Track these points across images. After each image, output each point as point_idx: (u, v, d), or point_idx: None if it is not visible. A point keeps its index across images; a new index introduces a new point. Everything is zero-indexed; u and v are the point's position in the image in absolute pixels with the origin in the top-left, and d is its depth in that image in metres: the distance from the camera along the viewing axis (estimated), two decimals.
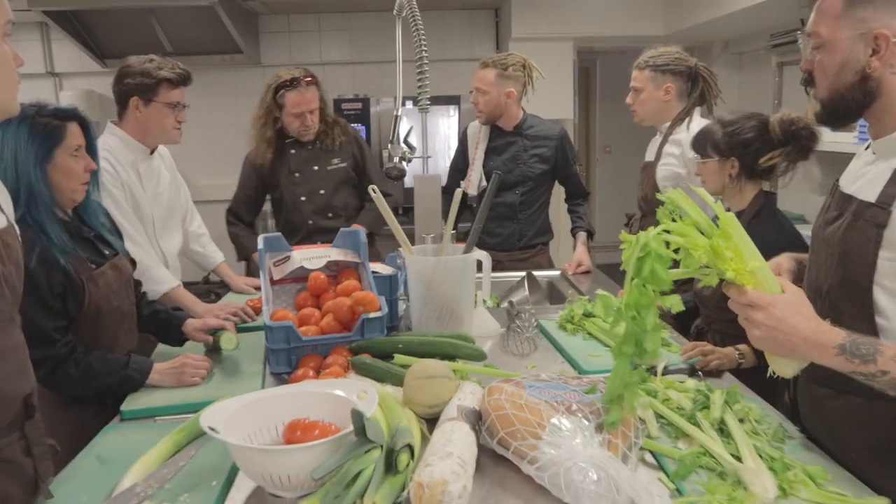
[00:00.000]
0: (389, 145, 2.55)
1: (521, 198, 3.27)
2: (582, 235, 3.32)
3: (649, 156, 2.89)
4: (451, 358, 1.91)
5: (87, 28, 4.97)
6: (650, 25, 5.02)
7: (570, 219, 3.42)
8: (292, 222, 3.31)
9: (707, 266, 1.24)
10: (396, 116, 2.60)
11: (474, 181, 3.22)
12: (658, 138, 2.84)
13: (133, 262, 2.17)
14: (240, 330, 2.30)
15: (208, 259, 2.94)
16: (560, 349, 2.12)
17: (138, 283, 2.21)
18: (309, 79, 3.09)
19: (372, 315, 1.97)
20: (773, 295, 1.22)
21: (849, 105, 1.39)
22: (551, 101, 5.21)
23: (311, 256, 2.30)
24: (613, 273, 7.46)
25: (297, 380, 1.85)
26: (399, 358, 1.82)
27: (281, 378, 1.95)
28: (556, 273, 3.19)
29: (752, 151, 2.12)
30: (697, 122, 2.66)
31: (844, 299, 1.37)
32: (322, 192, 3.28)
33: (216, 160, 5.66)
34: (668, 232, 1.23)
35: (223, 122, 5.63)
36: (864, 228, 1.33)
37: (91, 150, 1.93)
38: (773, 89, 3.91)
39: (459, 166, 3.42)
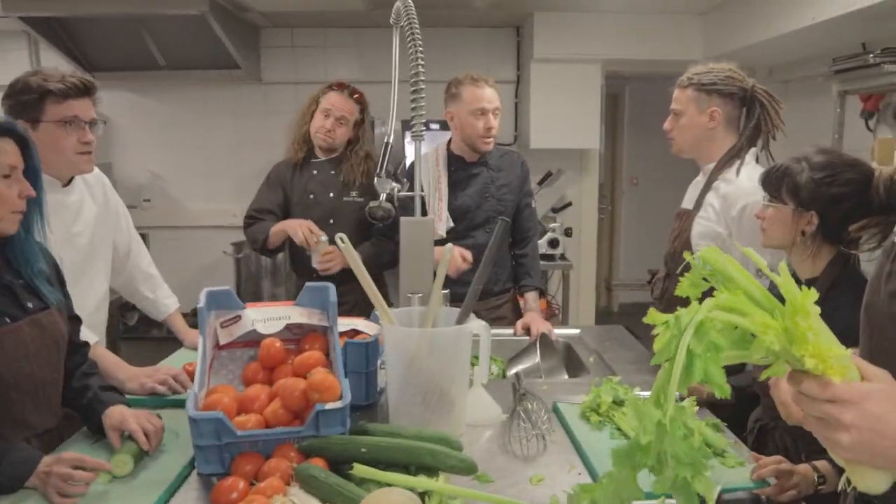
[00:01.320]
0: (376, 179, 2.10)
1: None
2: (532, 296, 2.88)
3: (688, 202, 2.36)
4: (431, 470, 1.43)
5: (73, 39, 4.59)
6: (686, 48, 4.54)
7: (516, 270, 2.97)
8: (301, 257, 2.99)
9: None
10: (387, 144, 2.15)
11: (441, 223, 2.76)
12: (700, 180, 2.32)
13: (76, 320, 1.79)
14: (177, 403, 1.86)
15: (158, 306, 2.49)
16: (580, 451, 1.64)
17: (79, 346, 1.81)
18: (357, 94, 3.00)
19: (329, 406, 1.50)
20: (864, 385, 0.87)
21: None
22: (576, 129, 4.76)
23: (268, 317, 1.84)
24: (633, 315, 6.89)
25: (225, 491, 1.39)
26: (359, 469, 1.35)
27: (210, 481, 1.49)
28: (575, 332, 2.69)
29: (841, 211, 1.63)
30: (751, 169, 2.14)
31: None
32: (332, 221, 2.95)
33: (212, 183, 5.24)
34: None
35: (220, 142, 5.22)
36: None
37: (31, 173, 1.58)
38: (833, 123, 3.43)
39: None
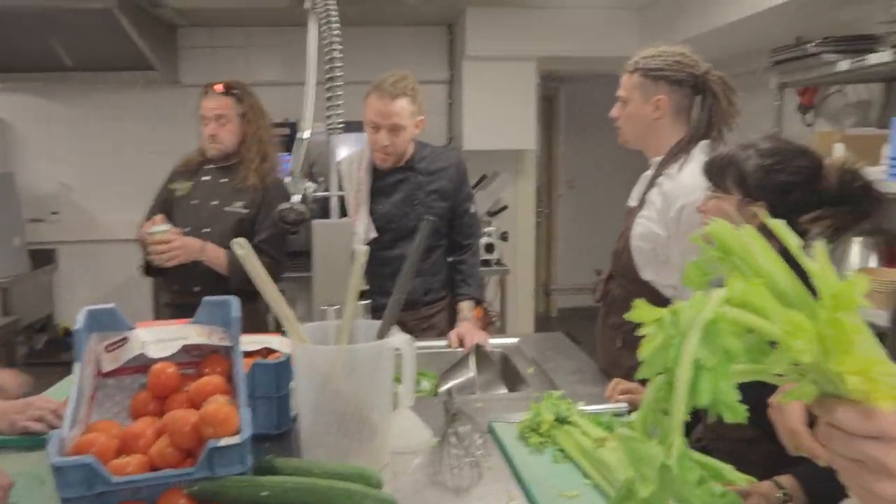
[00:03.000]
0: (289, 179, 1.87)
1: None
2: (467, 305, 2.67)
3: (634, 198, 2.18)
4: None
5: None
6: (623, 44, 4.42)
7: (453, 277, 2.76)
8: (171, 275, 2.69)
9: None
10: (300, 140, 1.93)
11: (360, 232, 2.52)
12: (648, 174, 2.15)
13: None
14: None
15: None
16: (519, 478, 1.45)
17: None
18: (231, 88, 2.75)
19: (224, 442, 1.27)
20: None
21: None
22: (512, 129, 4.61)
23: (161, 338, 1.60)
24: (572, 320, 6.77)
25: None
26: None
27: None
28: (513, 341, 2.50)
29: (790, 201, 1.48)
30: (698, 164, 1.86)
31: None
32: (208, 230, 2.66)
33: (127, 193, 4.89)
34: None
35: (135, 148, 4.90)
36: None
37: None
38: (773, 115, 3.34)
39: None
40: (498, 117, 4.55)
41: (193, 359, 1.63)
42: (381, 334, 1.51)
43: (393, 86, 2.46)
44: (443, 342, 2.46)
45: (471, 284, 2.71)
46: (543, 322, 6.76)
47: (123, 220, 4.87)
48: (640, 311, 0.67)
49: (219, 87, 2.74)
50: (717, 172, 1.58)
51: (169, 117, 4.83)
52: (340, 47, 1.77)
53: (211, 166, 2.77)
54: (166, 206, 2.76)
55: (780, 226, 0.68)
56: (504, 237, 4.72)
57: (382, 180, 2.62)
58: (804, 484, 1.31)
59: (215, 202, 2.71)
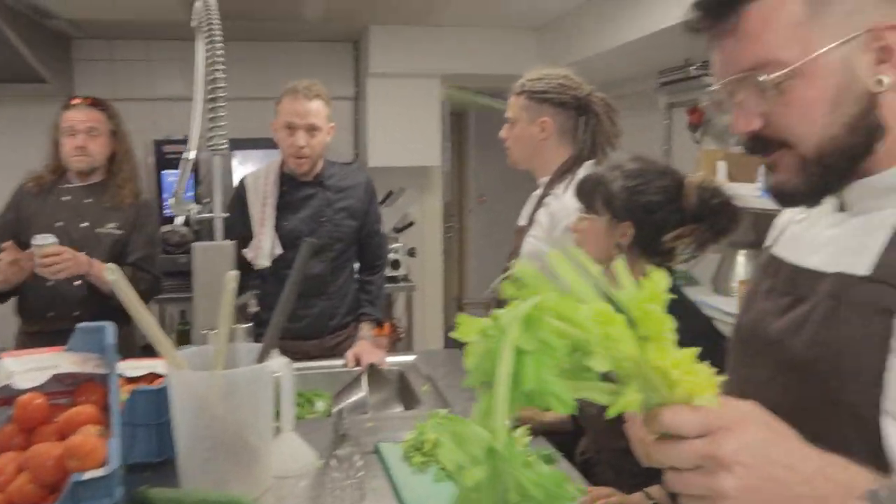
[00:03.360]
0: (172, 200, 1.84)
1: (331, 266, 2.59)
2: (367, 326, 2.68)
3: (523, 217, 2.23)
4: None
5: None
6: (522, 63, 4.48)
7: (359, 294, 2.75)
8: (29, 301, 2.56)
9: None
10: (185, 160, 1.89)
11: (265, 248, 2.49)
12: (538, 194, 2.21)
13: None
14: None
15: None
16: (399, 498, 1.46)
17: None
18: (99, 104, 2.70)
19: (89, 476, 1.24)
20: (739, 405, 0.67)
21: (851, 155, 0.83)
22: (417, 146, 4.63)
23: (30, 367, 1.54)
24: None
25: None
26: None
27: None
28: (409, 359, 2.52)
29: (655, 220, 1.55)
30: None
31: (813, 436, 0.72)
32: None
33: None
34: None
35: (26, 164, 4.66)
36: (857, 318, 0.81)
37: None
38: (662, 134, 3.49)
39: (237, 229, 2.53)
40: (403, 134, 4.57)
41: (67, 388, 1.58)
42: (261, 358, 1.50)
43: (307, 88, 2.47)
44: (340, 362, 2.45)
45: (375, 305, 2.70)
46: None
47: None
48: (463, 325, 0.67)
49: (85, 101, 2.68)
50: (587, 194, 1.64)
51: None
52: (223, 67, 1.75)
53: (70, 185, 2.64)
54: (15, 230, 2.57)
55: (581, 254, 0.70)
56: (411, 253, 4.74)
57: (290, 195, 2.58)
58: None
59: (85, 224, 2.59)
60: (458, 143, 7.49)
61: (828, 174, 0.84)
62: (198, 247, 1.68)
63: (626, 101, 4.56)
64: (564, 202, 1.99)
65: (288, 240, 2.54)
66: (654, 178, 1.55)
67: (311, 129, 2.46)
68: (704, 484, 0.64)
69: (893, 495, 0.65)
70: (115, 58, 4.71)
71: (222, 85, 1.75)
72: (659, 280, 0.66)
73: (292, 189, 2.58)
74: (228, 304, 1.39)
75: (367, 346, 2.45)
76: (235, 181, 4.16)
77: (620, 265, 0.69)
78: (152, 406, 1.62)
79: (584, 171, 2.06)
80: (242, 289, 2.65)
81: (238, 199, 2.64)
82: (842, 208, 0.91)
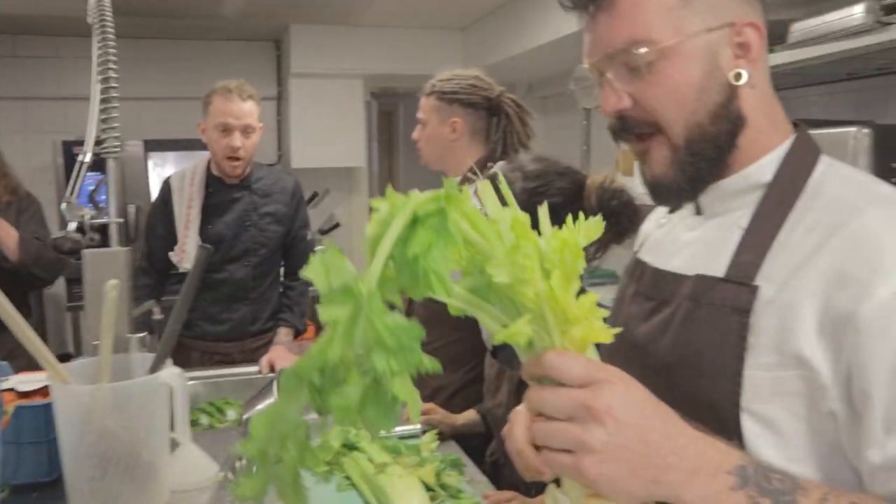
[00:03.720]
0: (64, 204, 1.75)
1: (254, 271, 2.54)
2: (284, 331, 2.64)
3: None
4: None
5: None
6: (448, 63, 4.47)
7: (280, 300, 2.72)
8: None
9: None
10: (80, 163, 1.80)
11: (189, 252, 2.43)
12: None
13: None
14: None
15: None
16: None
17: None
18: None
19: None
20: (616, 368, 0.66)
21: (717, 144, 0.85)
22: (341, 147, 4.58)
23: None
24: None
25: None
26: None
27: None
28: None
29: (554, 222, 1.54)
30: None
31: None
32: None
33: None
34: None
35: None
36: (715, 319, 0.81)
37: None
38: (581, 135, 3.52)
39: (159, 231, 2.57)
40: (327, 134, 4.52)
41: None
42: (154, 368, 1.43)
43: (240, 88, 2.43)
44: (254, 368, 2.39)
45: (294, 312, 2.65)
46: None
47: None
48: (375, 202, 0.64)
49: None
50: None
51: None
52: (115, 66, 1.67)
53: None
54: None
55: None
56: None
57: (216, 197, 2.52)
58: None
59: None
60: (388, 144, 7.45)
61: (698, 163, 0.85)
62: (87, 253, 1.60)
63: (547, 103, 4.62)
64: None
65: (212, 243, 2.46)
66: (554, 179, 1.54)
67: (246, 131, 2.42)
68: (572, 436, 0.62)
69: (760, 471, 0.66)
70: (20, 54, 4.52)
71: (114, 85, 1.67)
72: (577, 229, 0.66)
73: (218, 191, 2.52)
74: (110, 314, 1.32)
75: (281, 352, 2.40)
76: (152, 183, 4.06)
77: (542, 211, 0.69)
78: (40, 422, 1.54)
79: (496, 171, 2.06)
80: (166, 293, 2.60)
81: (162, 200, 2.58)
82: (698, 212, 0.93)
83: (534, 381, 0.67)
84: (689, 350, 0.83)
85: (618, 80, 0.85)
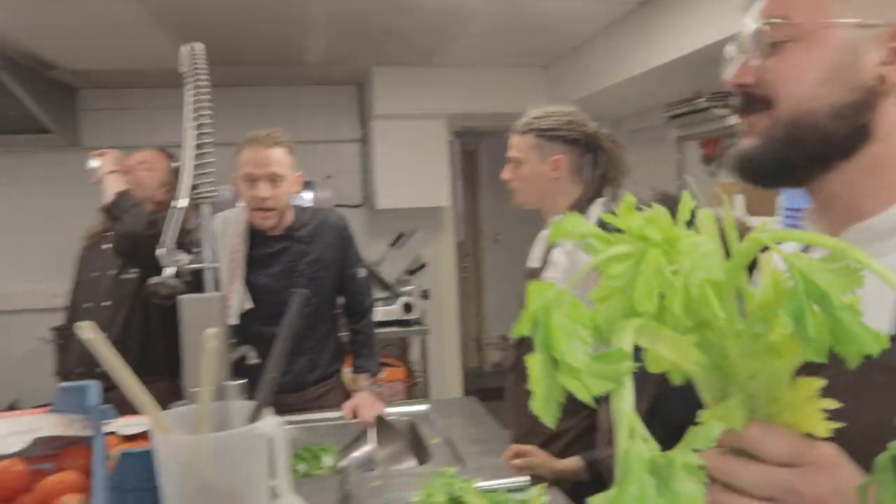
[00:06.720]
0: (162, 251, 1.76)
1: (308, 321, 2.39)
2: (363, 377, 2.53)
3: (534, 259, 2.12)
4: None
5: None
6: (529, 100, 4.40)
7: (350, 345, 2.62)
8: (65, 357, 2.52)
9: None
10: (174, 209, 1.81)
11: (234, 305, 2.31)
12: (546, 234, 2.12)
13: None
14: None
15: None
16: None
17: None
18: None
19: None
20: (830, 448, 0.58)
21: (825, 143, 0.78)
22: (426, 187, 4.58)
23: (12, 431, 1.45)
24: (504, 375, 6.61)
25: None
26: None
27: None
28: (422, 408, 2.40)
29: None
30: (596, 221, 1.93)
31: None
32: (108, 303, 2.54)
33: (24, 260, 4.66)
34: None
35: (32, 214, 4.68)
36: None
37: None
38: (674, 168, 3.40)
39: None
40: (411, 175, 4.52)
41: (52, 451, 1.48)
42: (253, 418, 1.39)
43: (267, 136, 2.32)
44: (328, 415, 2.35)
45: (366, 356, 2.56)
46: (475, 377, 6.66)
47: (22, 290, 4.64)
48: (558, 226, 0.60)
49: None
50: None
51: (69, 181, 4.61)
52: (210, 113, 1.68)
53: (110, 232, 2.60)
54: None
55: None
56: (425, 295, 4.64)
57: (259, 249, 2.40)
58: None
59: (112, 271, 2.58)
60: (471, 183, 7.45)
61: (792, 147, 0.79)
62: (184, 300, 1.59)
63: (635, 136, 4.51)
64: None
65: (259, 297, 2.37)
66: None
67: (274, 179, 2.28)
68: None
69: None
70: (119, 107, 4.71)
71: (208, 131, 1.68)
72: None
73: (260, 243, 2.39)
74: (210, 363, 1.29)
75: (366, 399, 2.33)
76: None
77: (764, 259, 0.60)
78: (143, 469, 1.51)
79: (596, 208, 1.98)
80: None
81: None
82: None
83: (706, 440, 0.58)
84: (858, 421, 0.72)
85: (752, 55, 0.82)
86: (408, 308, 4.42)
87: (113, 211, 2.45)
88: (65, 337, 4.29)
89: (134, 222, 2.39)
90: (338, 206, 4.55)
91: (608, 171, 2.00)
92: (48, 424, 1.47)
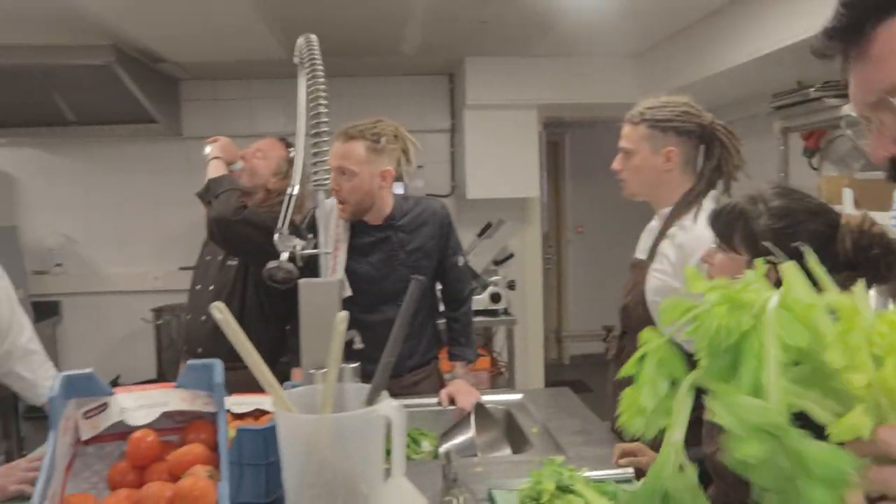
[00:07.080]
0: (277, 236, 1.82)
1: None
2: (460, 364, 2.53)
3: (641, 251, 2.08)
4: None
5: None
6: (621, 90, 4.39)
7: (447, 333, 2.61)
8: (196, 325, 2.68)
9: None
10: (290, 195, 1.88)
11: None
12: (655, 226, 2.08)
13: None
14: None
15: (37, 388, 2.14)
16: None
17: None
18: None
19: None
20: None
21: None
22: (515, 177, 4.58)
23: (141, 404, 1.53)
24: (584, 367, 6.59)
25: None
26: None
27: None
28: (517, 397, 2.42)
29: (802, 268, 1.39)
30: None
31: None
32: (212, 288, 2.64)
33: (129, 245, 4.89)
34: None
35: (137, 201, 4.90)
36: None
37: None
38: (778, 160, 3.30)
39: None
40: (501, 165, 4.52)
41: (177, 425, 1.57)
42: (371, 400, 1.43)
43: (353, 128, 2.34)
44: (426, 400, 2.38)
45: (463, 344, 2.57)
46: (555, 370, 6.64)
47: (126, 272, 4.87)
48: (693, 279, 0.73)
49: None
50: (724, 226, 1.49)
51: (171, 169, 4.83)
52: (326, 101, 1.73)
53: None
54: None
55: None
56: (511, 286, 4.65)
57: (360, 238, 2.44)
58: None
59: (220, 257, 2.68)
60: (555, 174, 7.41)
61: None
62: (303, 283, 1.64)
63: (736, 126, 4.37)
64: (696, 234, 1.85)
65: (360, 284, 2.41)
66: (805, 221, 1.38)
67: (342, 172, 2.31)
68: None
69: None
70: (218, 97, 4.87)
71: (325, 120, 1.73)
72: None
73: (361, 232, 2.44)
74: (338, 345, 1.34)
75: (462, 386, 2.36)
76: None
77: (859, 290, 0.66)
78: (259, 446, 1.58)
79: (709, 201, 1.94)
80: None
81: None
82: None
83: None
84: None
85: (885, 126, 0.83)
86: (495, 298, 4.44)
87: (204, 196, 2.56)
88: (164, 317, 4.50)
89: (223, 208, 2.48)
90: (427, 195, 4.60)
91: (722, 163, 1.95)
92: (175, 399, 1.55)
